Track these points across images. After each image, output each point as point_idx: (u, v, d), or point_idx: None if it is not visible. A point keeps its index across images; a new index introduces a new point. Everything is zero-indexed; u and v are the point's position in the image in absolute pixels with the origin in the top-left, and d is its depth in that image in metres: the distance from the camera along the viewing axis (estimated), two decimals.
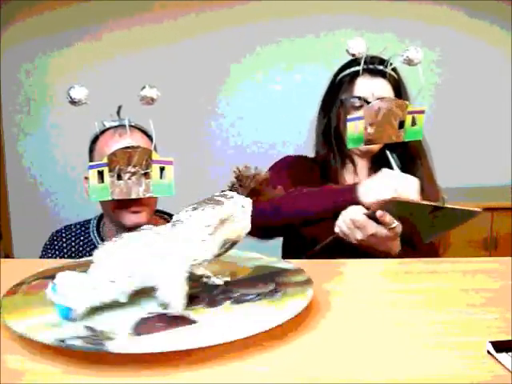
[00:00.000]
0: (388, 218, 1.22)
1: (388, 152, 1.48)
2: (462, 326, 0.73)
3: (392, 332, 0.72)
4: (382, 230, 1.24)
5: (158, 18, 4.06)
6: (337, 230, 1.30)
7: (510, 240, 3.48)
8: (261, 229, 1.44)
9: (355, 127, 1.26)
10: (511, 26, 3.97)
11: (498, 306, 0.80)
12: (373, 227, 1.24)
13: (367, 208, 1.27)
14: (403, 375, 0.60)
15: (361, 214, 1.26)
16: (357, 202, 1.29)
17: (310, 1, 3.97)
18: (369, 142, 1.28)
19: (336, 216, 1.32)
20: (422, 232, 1.35)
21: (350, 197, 1.31)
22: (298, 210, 1.43)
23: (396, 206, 1.21)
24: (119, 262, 0.74)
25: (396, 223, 1.24)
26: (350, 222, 1.26)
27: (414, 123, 1.28)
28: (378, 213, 1.21)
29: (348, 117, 1.26)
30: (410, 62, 1.27)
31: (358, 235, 1.26)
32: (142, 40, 4.06)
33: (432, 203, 1.21)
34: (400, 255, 1.32)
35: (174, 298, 0.74)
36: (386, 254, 1.30)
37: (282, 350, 0.66)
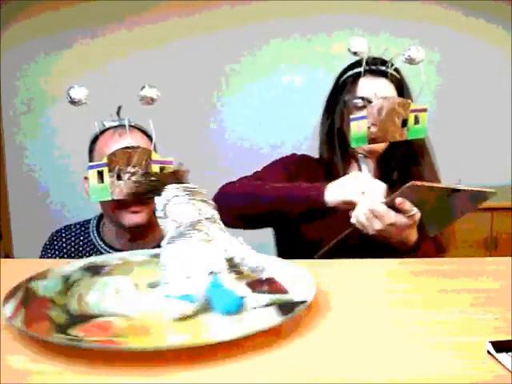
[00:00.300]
0: (407, 205, 1.20)
1: (360, 156, 1.49)
2: (462, 326, 0.73)
3: (392, 332, 0.72)
4: (401, 219, 1.22)
5: (158, 18, 4.06)
6: (353, 220, 1.28)
7: (510, 240, 3.49)
8: (238, 217, 1.45)
9: (358, 127, 1.26)
10: (511, 25, 3.97)
11: (498, 306, 0.80)
12: (392, 216, 1.22)
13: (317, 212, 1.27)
14: (403, 375, 0.60)
15: (379, 203, 1.24)
16: (320, 201, 1.29)
17: (309, 1, 3.97)
18: (372, 141, 1.28)
19: (305, 218, 1.34)
20: (430, 222, 1.33)
21: (316, 194, 1.31)
22: (264, 197, 1.42)
23: (416, 192, 1.19)
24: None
25: (415, 210, 1.22)
26: (368, 212, 1.24)
27: (417, 121, 1.28)
28: (398, 200, 1.19)
29: (351, 116, 1.26)
30: (411, 61, 1.28)
31: (377, 225, 1.23)
32: (142, 40, 4.06)
33: (450, 186, 1.19)
34: (416, 246, 1.31)
35: None
36: (404, 244, 1.28)
37: (282, 350, 0.66)
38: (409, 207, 1.20)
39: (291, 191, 1.39)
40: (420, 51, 1.26)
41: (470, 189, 1.20)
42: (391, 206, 1.21)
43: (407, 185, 1.18)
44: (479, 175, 3.96)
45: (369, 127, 1.27)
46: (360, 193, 1.24)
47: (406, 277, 0.99)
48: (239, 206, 1.46)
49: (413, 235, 1.29)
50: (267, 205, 1.40)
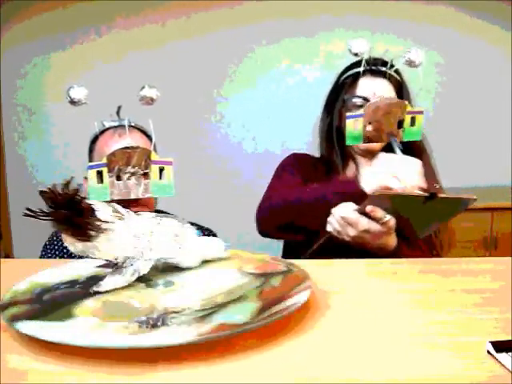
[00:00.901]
0: (379, 212, 1.21)
1: (391, 138, 1.48)
2: (462, 325, 0.73)
3: (392, 332, 0.72)
4: (374, 226, 1.24)
5: (157, 18, 4.06)
6: (329, 228, 1.30)
7: (510, 240, 3.49)
8: (276, 226, 1.45)
9: (354, 124, 1.27)
10: (511, 25, 3.97)
11: (497, 306, 0.80)
12: (365, 223, 1.24)
13: (358, 203, 1.27)
14: (403, 375, 0.60)
15: (351, 210, 1.25)
16: (361, 191, 1.29)
17: (309, 1, 3.97)
18: (367, 139, 1.28)
19: None
20: (415, 225, 1.34)
21: (354, 187, 1.31)
22: (297, 199, 1.43)
23: (386, 200, 1.20)
24: None
25: (388, 217, 1.23)
26: (340, 219, 1.26)
27: (413, 123, 1.28)
28: (368, 208, 1.21)
29: (347, 114, 1.27)
30: (411, 64, 1.28)
31: (351, 232, 1.26)
32: (142, 40, 4.06)
33: (423, 193, 1.20)
34: (396, 251, 1.32)
35: None
36: (382, 250, 1.30)
37: (281, 350, 0.66)
38: (380, 215, 1.22)
39: (327, 188, 1.39)
40: (419, 53, 1.27)
41: (445, 196, 1.20)
42: (364, 212, 1.22)
43: (375, 193, 1.19)
44: (479, 175, 3.97)
45: (365, 126, 1.27)
46: (395, 175, 1.25)
47: (405, 276, 0.99)
48: (285, 215, 1.46)
49: (391, 241, 1.31)
50: (311, 205, 1.40)
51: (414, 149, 1.54)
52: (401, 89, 1.54)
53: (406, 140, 1.32)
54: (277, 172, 1.67)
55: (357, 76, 1.54)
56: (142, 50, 4.03)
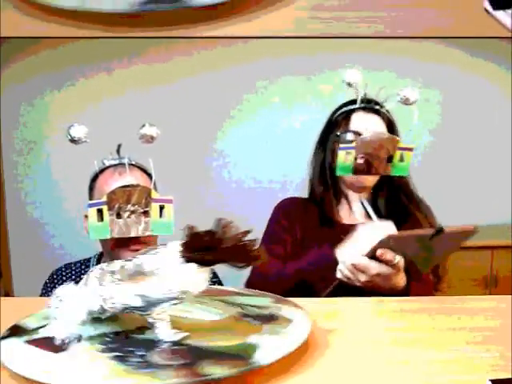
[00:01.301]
0: (389, 255, 1.21)
1: (362, 200, 1.50)
2: (463, 364, 0.73)
3: (392, 371, 0.72)
4: (385, 268, 1.23)
5: (157, 57, 4.10)
6: (339, 275, 1.30)
7: (511, 278, 3.48)
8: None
9: (346, 156, 1.29)
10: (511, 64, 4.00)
11: (498, 345, 0.79)
12: (375, 267, 1.23)
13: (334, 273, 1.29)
14: None
15: (361, 256, 1.25)
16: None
17: (310, 39, 4.00)
18: (357, 172, 1.30)
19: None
20: (419, 262, 1.34)
21: (330, 259, 1.33)
22: (277, 277, 1.44)
23: (395, 241, 1.21)
24: None
25: (398, 258, 1.23)
26: (351, 266, 1.26)
27: (402, 159, 1.30)
28: (378, 252, 1.21)
29: (340, 145, 1.29)
30: (406, 101, 1.30)
31: (362, 277, 1.25)
32: (142, 79, 4.09)
33: (427, 232, 1.21)
34: (405, 289, 1.31)
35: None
36: (393, 290, 1.29)
37: None
38: (390, 257, 1.22)
39: (304, 262, 1.42)
40: (415, 91, 1.29)
41: (449, 230, 1.21)
42: (373, 256, 1.23)
43: (384, 236, 1.19)
44: (479, 213, 3.97)
45: (356, 158, 1.29)
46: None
47: (405, 315, 0.99)
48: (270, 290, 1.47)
49: (400, 280, 1.31)
50: (292, 281, 1.41)
51: (402, 200, 1.56)
52: (392, 127, 1.55)
53: (393, 175, 1.35)
54: (267, 227, 1.67)
55: (350, 113, 1.56)
56: (142, 88, 4.05)
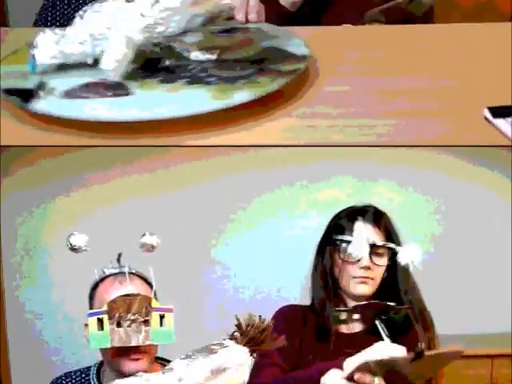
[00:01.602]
0: (367, 378, 1.21)
1: (377, 322, 1.50)
2: None
3: None
4: None
5: (156, 165, 4.16)
6: None
7: None
8: None
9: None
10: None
11: None
12: None
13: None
14: None
15: (340, 378, 1.25)
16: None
17: (307, 147, 4.07)
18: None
19: None
20: (410, 375, 1.33)
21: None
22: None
23: (373, 366, 1.20)
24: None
25: (376, 381, 1.22)
26: None
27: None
28: (356, 376, 1.20)
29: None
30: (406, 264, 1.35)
31: None
32: (142, 187, 4.14)
33: (407, 356, 1.20)
34: None
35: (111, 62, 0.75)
36: None
37: None
38: (369, 381, 1.21)
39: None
40: (418, 251, 1.34)
41: (429, 354, 1.21)
42: (352, 379, 1.22)
43: (361, 363, 1.20)
44: (479, 322, 3.93)
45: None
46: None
47: None
48: None
49: None
50: None
51: (407, 320, 1.56)
52: (390, 234, 1.58)
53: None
54: None
55: (349, 219, 1.58)
56: (142, 197, 4.09)
